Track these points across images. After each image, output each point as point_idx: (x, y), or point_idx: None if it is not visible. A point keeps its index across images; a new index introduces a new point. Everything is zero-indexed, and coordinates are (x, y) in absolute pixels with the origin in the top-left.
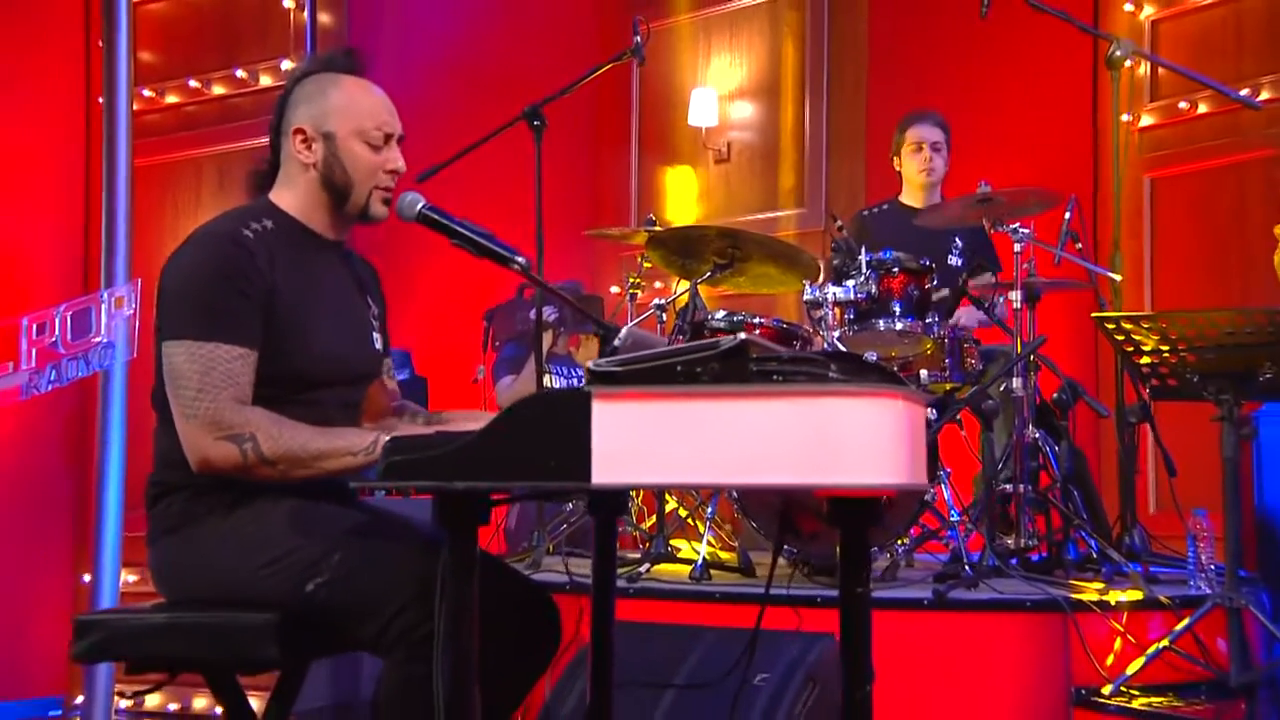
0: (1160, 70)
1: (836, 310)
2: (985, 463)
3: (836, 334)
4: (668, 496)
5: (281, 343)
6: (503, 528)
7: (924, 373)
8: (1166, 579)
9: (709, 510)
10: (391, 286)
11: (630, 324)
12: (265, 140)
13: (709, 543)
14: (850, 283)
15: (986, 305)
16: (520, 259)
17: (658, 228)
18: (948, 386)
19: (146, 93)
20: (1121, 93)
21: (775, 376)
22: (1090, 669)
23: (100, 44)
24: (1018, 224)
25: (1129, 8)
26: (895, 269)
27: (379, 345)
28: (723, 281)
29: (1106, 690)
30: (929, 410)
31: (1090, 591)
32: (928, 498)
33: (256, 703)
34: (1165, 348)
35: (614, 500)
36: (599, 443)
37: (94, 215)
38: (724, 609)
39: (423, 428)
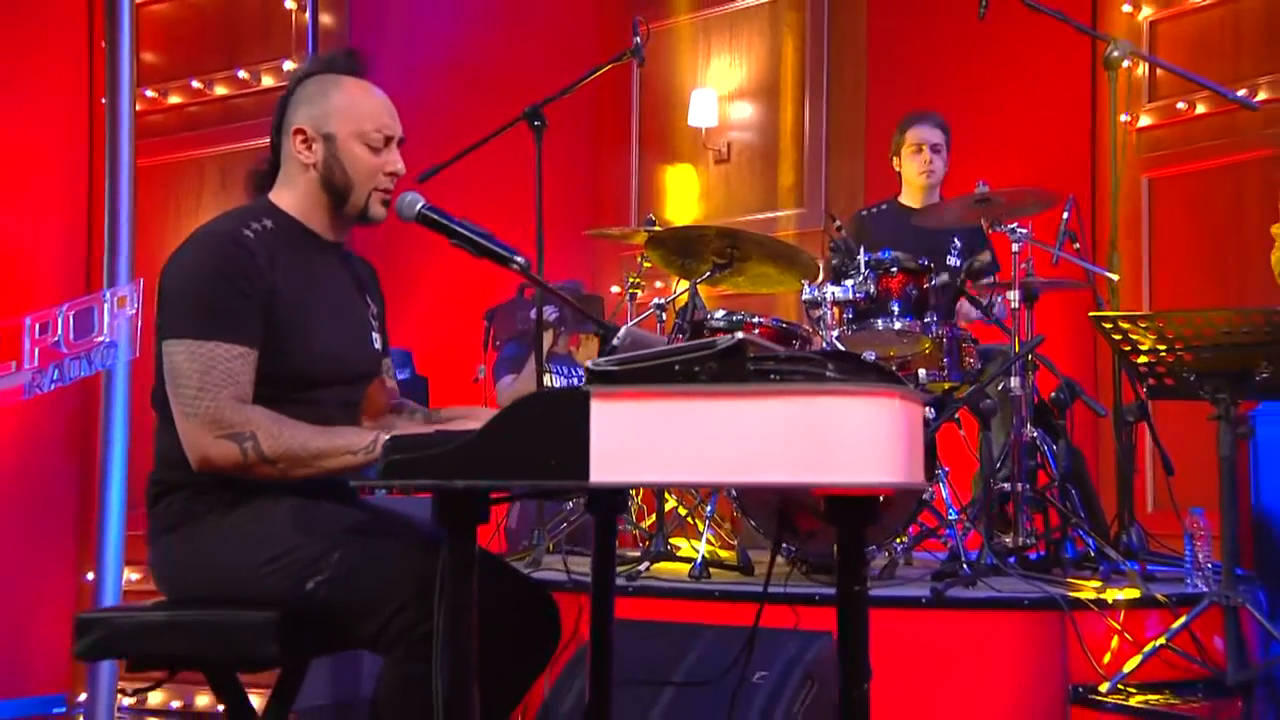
0: (1158, 71)
1: (835, 310)
2: (983, 461)
3: (835, 333)
4: (667, 495)
5: (281, 342)
6: (503, 526)
7: (922, 372)
8: (1164, 577)
9: (708, 509)
10: (392, 287)
11: (630, 323)
12: (267, 141)
13: (708, 541)
14: (849, 282)
15: (985, 304)
16: (519, 259)
17: (657, 228)
18: (946, 385)
19: (149, 93)
20: (1119, 93)
21: (772, 376)
22: (1087, 667)
23: (103, 44)
24: (1016, 224)
25: (1127, 8)
26: (893, 269)
27: (378, 345)
28: (722, 281)
29: (1104, 688)
30: (927, 409)
31: (1088, 590)
32: (926, 496)
33: (257, 700)
34: (1162, 347)
35: (613, 499)
36: (597, 442)
37: (96, 215)
38: (723, 607)
39: (422, 426)
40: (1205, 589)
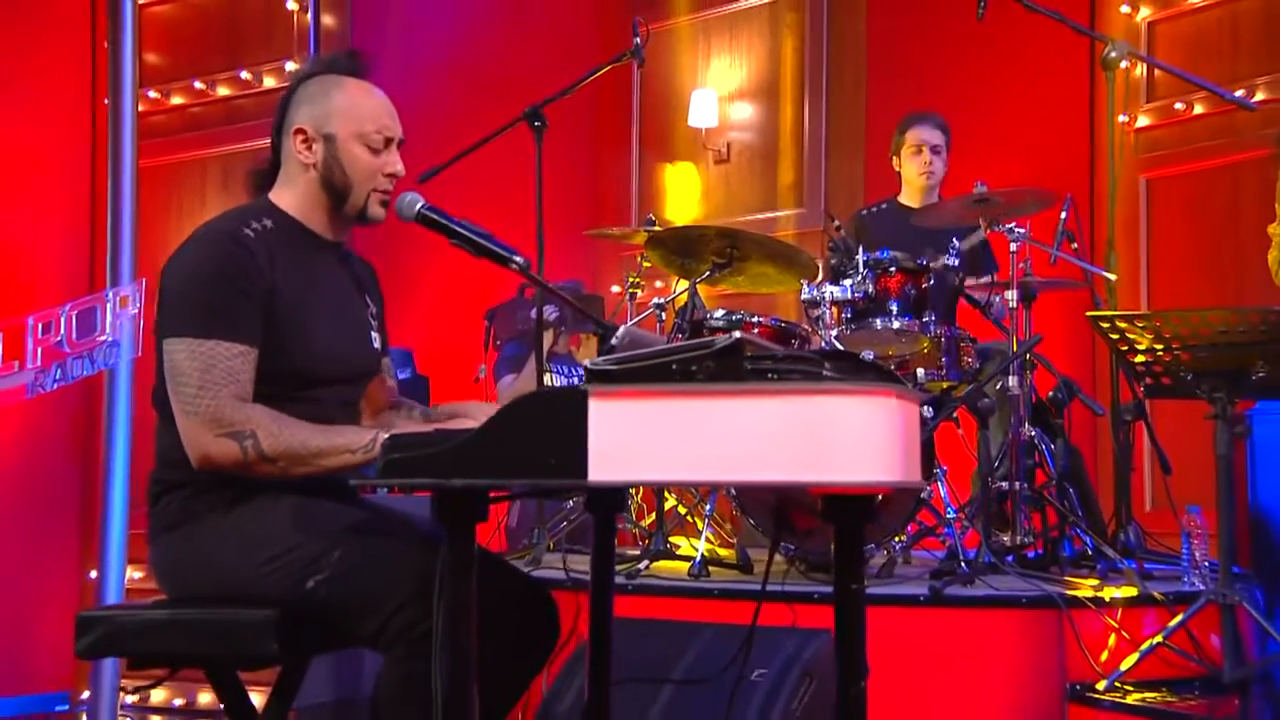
0: (1156, 71)
1: (834, 309)
2: (981, 460)
3: (834, 333)
4: (667, 494)
5: (281, 341)
6: (503, 525)
7: (921, 371)
8: (1161, 575)
9: (708, 508)
10: (392, 286)
11: (629, 323)
12: (269, 141)
13: (707, 540)
14: (847, 282)
15: (983, 304)
16: (519, 258)
17: (657, 228)
18: (944, 385)
19: (152, 94)
20: (1117, 94)
21: (770, 375)
22: (1085, 665)
23: (106, 45)
24: (1014, 224)
25: (1125, 9)
26: (892, 268)
27: (377, 344)
28: (721, 281)
29: (1101, 686)
30: (925, 408)
31: (1085, 588)
32: (924, 495)
33: (258, 698)
34: (1160, 346)
35: (612, 498)
36: (596, 441)
37: (99, 215)
38: (722, 605)
39: (421, 424)
40: (1202, 587)
